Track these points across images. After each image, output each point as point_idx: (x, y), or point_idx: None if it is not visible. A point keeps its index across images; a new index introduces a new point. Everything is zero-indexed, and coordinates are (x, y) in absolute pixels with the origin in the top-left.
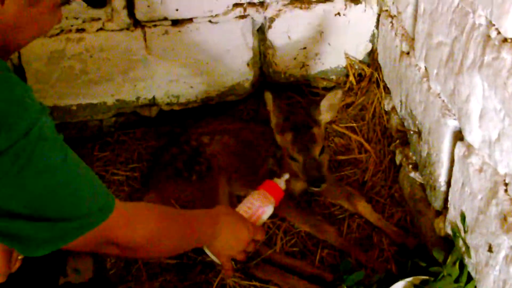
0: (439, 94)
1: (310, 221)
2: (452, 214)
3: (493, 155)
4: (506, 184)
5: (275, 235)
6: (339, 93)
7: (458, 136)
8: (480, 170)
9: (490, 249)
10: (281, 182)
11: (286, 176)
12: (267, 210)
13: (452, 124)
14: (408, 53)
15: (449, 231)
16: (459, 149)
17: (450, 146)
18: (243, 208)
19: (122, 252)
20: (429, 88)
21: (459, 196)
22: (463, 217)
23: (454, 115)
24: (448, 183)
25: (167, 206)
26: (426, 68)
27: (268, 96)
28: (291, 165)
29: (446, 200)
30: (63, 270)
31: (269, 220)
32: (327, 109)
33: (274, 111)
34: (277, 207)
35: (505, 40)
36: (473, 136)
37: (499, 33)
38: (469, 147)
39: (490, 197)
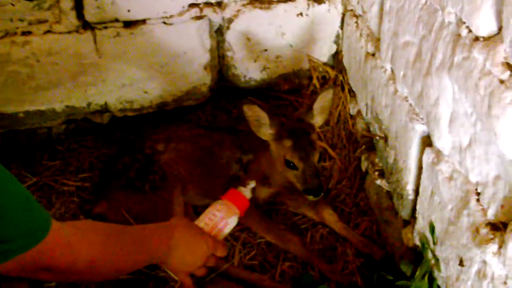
0: (406, 97)
1: (273, 230)
2: (421, 224)
3: (464, 162)
4: (478, 193)
5: (233, 247)
6: (330, 92)
7: (427, 141)
8: (450, 178)
9: (461, 263)
10: (246, 191)
11: (252, 184)
12: (230, 222)
13: (420, 129)
14: (373, 55)
15: (418, 242)
16: (428, 155)
17: (418, 152)
18: (204, 220)
19: (62, 277)
20: (396, 91)
21: (428, 206)
22: (432, 228)
23: (422, 119)
24: (416, 191)
25: (112, 223)
26: (392, 70)
27: (250, 107)
28: (280, 174)
29: (414, 209)
30: None
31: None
32: (319, 112)
33: (266, 118)
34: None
35: (476, 38)
36: (442, 142)
37: (470, 31)
38: (438, 153)
39: (461, 207)
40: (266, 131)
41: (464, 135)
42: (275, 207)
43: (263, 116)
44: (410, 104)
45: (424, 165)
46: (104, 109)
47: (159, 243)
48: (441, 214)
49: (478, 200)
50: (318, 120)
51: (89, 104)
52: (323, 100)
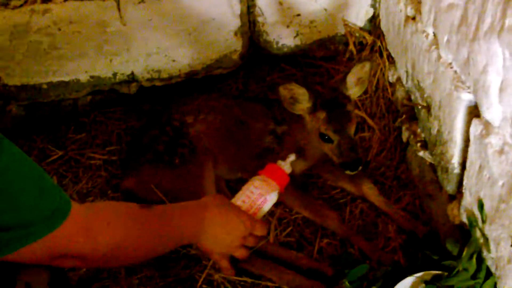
0: (450, 63)
1: (310, 205)
2: (468, 200)
3: None
4: None
5: (268, 223)
6: (366, 65)
7: (474, 112)
8: (501, 152)
9: None
10: (285, 165)
11: (292, 157)
12: (269, 199)
13: (466, 98)
14: (414, 18)
15: (465, 220)
16: (475, 127)
17: (464, 123)
18: (241, 198)
19: (83, 263)
20: (439, 57)
21: (476, 181)
22: (481, 205)
23: (469, 88)
24: (463, 165)
25: (136, 204)
26: (435, 35)
27: (287, 87)
28: (316, 147)
29: (460, 184)
30: (12, 285)
31: None
32: (355, 83)
33: (306, 94)
34: None
35: None
36: (492, 112)
37: None
38: (487, 125)
39: None
40: (303, 106)
41: None
42: (312, 180)
43: (302, 93)
44: (455, 72)
45: (471, 138)
46: (131, 79)
47: (189, 224)
48: (491, 190)
49: None
50: (354, 91)
51: (115, 74)
52: (358, 72)
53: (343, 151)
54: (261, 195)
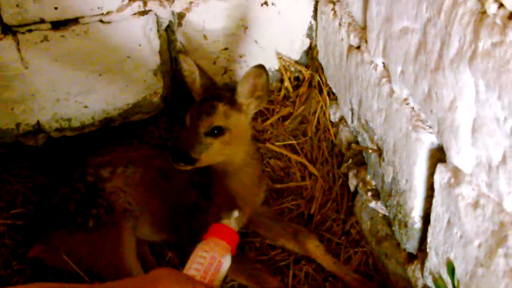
0: (406, 99)
1: (247, 270)
2: (434, 261)
3: (495, 184)
4: None
5: None
6: (263, 73)
7: (438, 156)
8: (476, 205)
9: None
10: (231, 223)
11: (236, 213)
12: (224, 261)
13: (428, 139)
14: (358, 47)
15: (430, 284)
16: (441, 174)
17: (426, 169)
18: (193, 266)
19: None
20: (392, 92)
21: (444, 239)
22: (451, 269)
23: (431, 127)
24: (426, 219)
25: (65, 284)
26: (385, 65)
27: (186, 58)
28: (248, 193)
29: (423, 241)
30: None
31: None
32: (249, 93)
33: (197, 72)
34: None
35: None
36: (462, 157)
37: (501, 5)
38: (457, 172)
39: (494, 244)
40: (197, 90)
41: (496, 148)
42: (247, 239)
43: (195, 71)
44: (412, 108)
45: (437, 187)
46: (37, 129)
47: None
48: (465, 251)
49: None
50: (248, 102)
51: (18, 125)
52: (253, 81)
53: (178, 139)
54: (214, 258)
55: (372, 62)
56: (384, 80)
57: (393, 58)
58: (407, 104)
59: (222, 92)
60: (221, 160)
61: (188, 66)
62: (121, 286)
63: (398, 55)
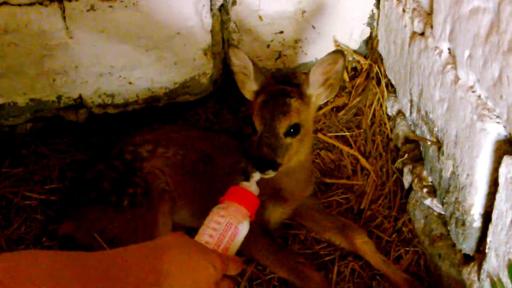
0: (472, 86)
1: (288, 264)
2: (493, 263)
3: None
4: None
5: (238, 284)
6: (339, 61)
7: (505, 148)
8: None
9: None
10: (251, 186)
11: (257, 176)
12: (241, 229)
13: (494, 130)
14: (422, 34)
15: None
16: (508, 167)
17: (490, 162)
18: (206, 233)
19: None
20: (456, 79)
21: (507, 238)
22: None
23: (499, 116)
24: (486, 217)
25: (66, 251)
26: (450, 51)
27: (237, 52)
28: (295, 186)
29: (481, 242)
30: None
31: None
32: (321, 83)
33: (251, 67)
34: (243, 243)
35: None
36: None
37: None
38: None
39: None
40: (250, 87)
41: None
42: (292, 231)
43: (249, 66)
44: (479, 96)
45: (501, 181)
46: (79, 104)
47: (141, 273)
48: None
49: None
50: (319, 93)
51: (59, 98)
52: (326, 69)
53: (260, 145)
54: (230, 224)
55: (436, 48)
56: (448, 66)
57: (460, 42)
58: (473, 91)
59: (287, 87)
60: (295, 159)
61: (238, 61)
62: (127, 251)
63: (467, 38)
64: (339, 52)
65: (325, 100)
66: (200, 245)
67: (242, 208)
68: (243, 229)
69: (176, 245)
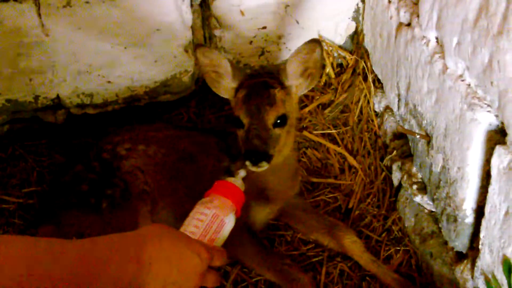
0: (461, 75)
1: (275, 266)
2: (487, 260)
3: None
4: None
5: (222, 287)
6: (316, 50)
7: (496, 138)
8: None
9: None
10: (237, 181)
11: (242, 172)
12: (227, 221)
13: (485, 119)
14: (409, 24)
15: (482, 286)
16: (501, 157)
17: (482, 154)
18: (193, 223)
19: None
20: (445, 68)
21: (501, 233)
22: (507, 266)
23: (490, 105)
24: (479, 212)
25: (47, 238)
26: (438, 39)
27: (206, 52)
28: (281, 184)
29: (474, 238)
30: None
31: None
32: (299, 74)
33: (228, 67)
34: (228, 245)
35: None
36: None
37: None
38: None
39: None
40: (227, 85)
41: None
42: (278, 232)
43: (224, 65)
44: (468, 85)
45: (494, 173)
46: (57, 104)
47: (122, 262)
48: None
49: None
50: (299, 83)
51: (36, 98)
52: (304, 59)
53: (250, 138)
54: (216, 216)
55: (424, 37)
56: (436, 56)
57: (448, 29)
58: (462, 80)
59: (267, 79)
60: (281, 154)
61: (208, 60)
62: (107, 240)
63: (454, 25)
64: (315, 41)
65: (306, 90)
66: (185, 235)
67: (228, 201)
68: (229, 222)
69: (159, 234)
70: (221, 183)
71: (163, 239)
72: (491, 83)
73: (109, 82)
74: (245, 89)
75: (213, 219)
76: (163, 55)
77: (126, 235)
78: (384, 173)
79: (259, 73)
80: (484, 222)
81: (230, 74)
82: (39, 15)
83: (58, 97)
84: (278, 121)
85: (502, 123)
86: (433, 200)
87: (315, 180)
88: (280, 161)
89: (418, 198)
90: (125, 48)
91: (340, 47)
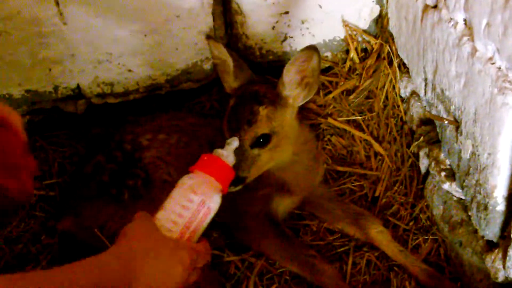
0: (491, 58)
1: (299, 257)
2: None
3: None
4: None
5: (247, 279)
6: (314, 58)
7: None
8: None
9: None
10: (224, 153)
11: (235, 143)
12: (212, 207)
13: None
14: (435, 6)
15: None
16: None
17: None
18: (176, 211)
19: None
20: (474, 51)
21: None
22: None
23: None
24: (510, 200)
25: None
26: (466, 21)
27: (216, 45)
28: (302, 175)
29: (506, 226)
30: None
31: (237, 256)
32: (297, 83)
33: (231, 64)
34: (250, 237)
35: None
36: None
37: None
38: None
39: None
40: (230, 83)
41: None
42: (303, 222)
43: (228, 63)
44: (499, 68)
45: None
46: (77, 94)
47: (111, 273)
48: None
49: None
50: (296, 93)
51: (56, 88)
52: (301, 67)
53: None
54: (203, 203)
55: (451, 19)
56: (465, 38)
57: (476, 10)
58: (492, 63)
59: (260, 89)
60: (272, 165)
61: (218, 54)
62: (95, 265)
63: (483, 5)
64: (312, 48)
65: (304, 101)
66: (169, 241)
67: (213, 181)
68: (214, 205)
69: (139, 235)
70: (207, 157)
71: (149, 253)
72: None
73: (129, 70)
74: (234, 99)
75: (200, 206)
76: (183, 42)
77: (112, 254)
78: (411, 160)
79: (259, 81)
80: None
81: (232, 73)
82: (57, 3)
83: (78, 86)
84: (260, 140)
85: None
86: (462, 187)
87: (340, 168)
88: (288, 160)
89: (446, 186)
90: (145, 35)
91: (364, 31)
